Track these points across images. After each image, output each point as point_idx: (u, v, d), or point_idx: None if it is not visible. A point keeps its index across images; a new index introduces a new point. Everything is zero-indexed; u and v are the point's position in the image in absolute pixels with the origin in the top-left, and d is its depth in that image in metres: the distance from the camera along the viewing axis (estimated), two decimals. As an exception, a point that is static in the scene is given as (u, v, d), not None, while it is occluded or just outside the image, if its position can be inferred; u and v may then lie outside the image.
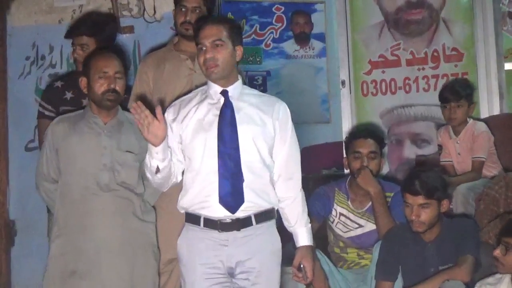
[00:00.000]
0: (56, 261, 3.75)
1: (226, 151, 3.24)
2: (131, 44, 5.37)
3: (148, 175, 3.35)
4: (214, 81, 3.35)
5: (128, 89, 4.04)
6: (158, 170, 3.27)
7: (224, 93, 3.34)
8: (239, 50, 3.35)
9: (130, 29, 5.36)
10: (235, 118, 3.28)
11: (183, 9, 4.11)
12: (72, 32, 4.54)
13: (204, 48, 3.28)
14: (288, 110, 3.40)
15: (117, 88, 3.76)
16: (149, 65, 4.16)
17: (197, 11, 4.10)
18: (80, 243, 3.71)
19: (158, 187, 3.44)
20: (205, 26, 3.31)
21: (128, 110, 3.93)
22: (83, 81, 3.83)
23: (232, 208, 3.25)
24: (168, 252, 3.88)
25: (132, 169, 3.80)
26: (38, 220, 5.06)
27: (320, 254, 4.04)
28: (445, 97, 4.84)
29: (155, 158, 3.25)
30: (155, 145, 3.21)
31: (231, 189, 3.24)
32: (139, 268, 3.77)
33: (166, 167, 3.28)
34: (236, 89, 3.37)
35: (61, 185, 3.80)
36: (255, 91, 3.48)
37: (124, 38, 5.33)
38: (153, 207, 3.93)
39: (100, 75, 3.74)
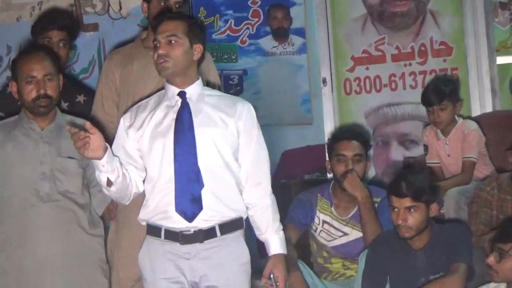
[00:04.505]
0: None
1: (183, 156, 3.26)
2: (96, 43, 5.36)
3: (105, 190, 3.33)
4: (169, 81, 3.36)
5: (92, 91, 3.97)
6: (110, 182, 3.25)
7: (182, 94, 3.35)
8: (198, 49, 3.35)
9: (94, 27, 5.35)
10: (192, 121, 3.29)
11: (162, 4, 4.02)
12: (51, 23, 4.36)
13: (158, 45, 3.30)
14: (253, 110, 3.41)
15: (49, 92, 3.66)
16: (116, 63, 4.12)
17: (177, 6, 4.03)
18: (21, 261, 3.66)
19: (118, 200, 3.45)
20: (162, 22, 3.34)
21: (89, 112, 3.93)
22: (13, 86, 3.73)
23: (189, 217, 3.26)
24: (137, 267, 3.76)
25: (75, 177, 3.76)
26: None
27: (302, 265, 4.05)
28: (427, 100, 4.83)
29: (103, 172, 3.23)
30: (100, 158, 3.19)
31: (188, 196, 3.25)
32: (85, 287, 3.75)
33: (118, 177, 3.26)
34: (195, 89, 3.37)
35: (0, 199, 3.73)
36: (217, 92, 3.51)
37: (87, 36, 5.33)
38: (101, 217, 3.91)
39: (28, 80, 3.64)
